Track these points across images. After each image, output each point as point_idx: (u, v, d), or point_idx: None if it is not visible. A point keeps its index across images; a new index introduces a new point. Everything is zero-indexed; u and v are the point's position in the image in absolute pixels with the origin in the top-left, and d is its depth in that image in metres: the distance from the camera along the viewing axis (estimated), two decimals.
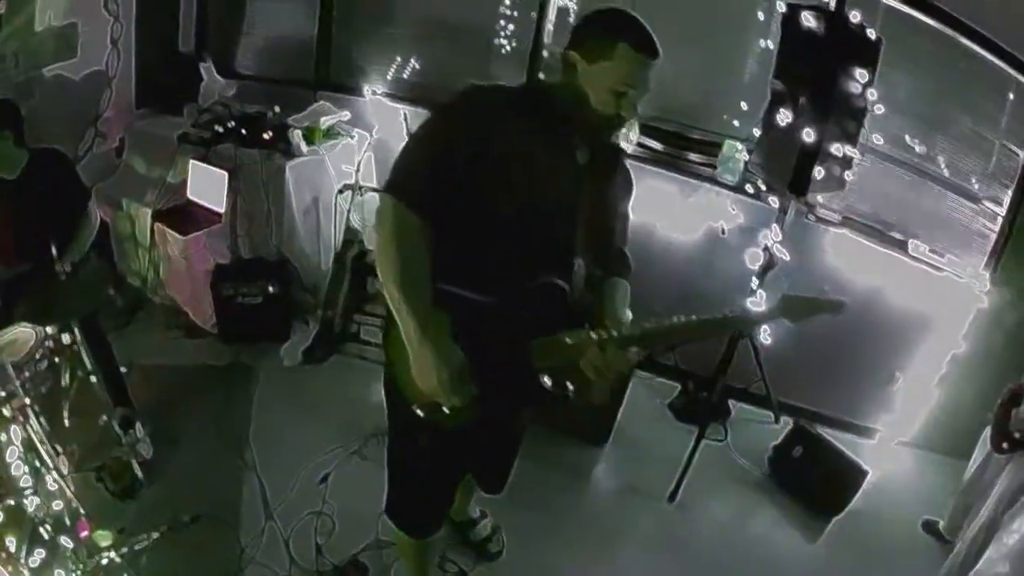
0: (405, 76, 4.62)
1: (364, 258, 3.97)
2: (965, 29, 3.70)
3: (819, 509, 3.62)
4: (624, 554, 3.21)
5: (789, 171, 3.19)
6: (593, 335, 1.65)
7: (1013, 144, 3.85)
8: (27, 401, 2.42)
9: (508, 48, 4.37)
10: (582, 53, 1.64)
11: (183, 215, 3.99)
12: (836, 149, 3.20)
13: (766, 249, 3.53)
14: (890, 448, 4.22)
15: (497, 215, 1.64)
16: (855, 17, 3.08)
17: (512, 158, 1.62)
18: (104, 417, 2.93)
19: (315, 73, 4.62)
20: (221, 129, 4.04)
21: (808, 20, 3.11)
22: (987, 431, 3.15)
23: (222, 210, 3.91)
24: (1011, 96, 3.79)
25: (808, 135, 3.09)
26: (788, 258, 3.53)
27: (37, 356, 2.71)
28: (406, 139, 1.69)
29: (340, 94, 4.53)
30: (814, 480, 3.64)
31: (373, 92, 4.54)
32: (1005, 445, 2.96)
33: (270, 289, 3.89)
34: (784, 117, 3.23)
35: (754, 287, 3.56)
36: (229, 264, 4.00)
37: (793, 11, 3.20)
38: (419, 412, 1.71)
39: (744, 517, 3.60)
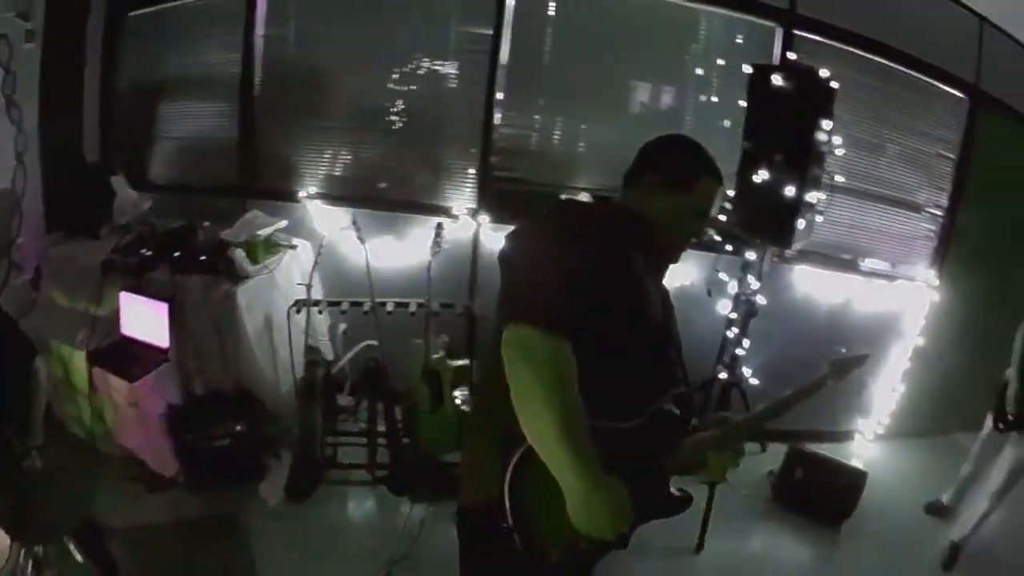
0: (339, 173, 4.28)
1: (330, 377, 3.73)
2: (892, 54, 3.92)
3: (830, 519, 3.86)
4: None
5: (775, 226, 3.27)
6: (717, 432, 1.78)
7: (946, 151, 4.14)
8: None
9: (454, 132, 4.16)
10: (662, 182, 1.72)
11: (123, 355, 3.53)
12: (811, 197, 3.28)
13: (746, 299, 3.61)
14: (868, 444, 4.58)
15: (630, 343, 1.62)
16: (824, 72, 3.14)
17: (638, 285, 1.63)
18: None
19: (241, 178, 4.19)
20: (148, 252, 3.60)
21: (779, 80, 3.11)
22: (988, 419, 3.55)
23: (167, 346, 3.49)
24: (940, 107, 4.06)
25: (789, 190, 3.14)
26: (766, 303, 3.66)
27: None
28: (527, 260, 1.57)
29: (271, 200, 4.14)
30: (821, 495, 3.86)
31: (308, 194, 4.19)
32: (1001, 425, 3.39)
33: (237, 428, 3.53)
34: (760, 175, 3.25)
35: (734, 336, 3.71)
36: (185, 405, 3.58)
37: (761, 71, 3.20)
38: (556, 554, 1.57)
39: (769, 546, 3.76)
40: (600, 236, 1.57)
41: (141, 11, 4.28)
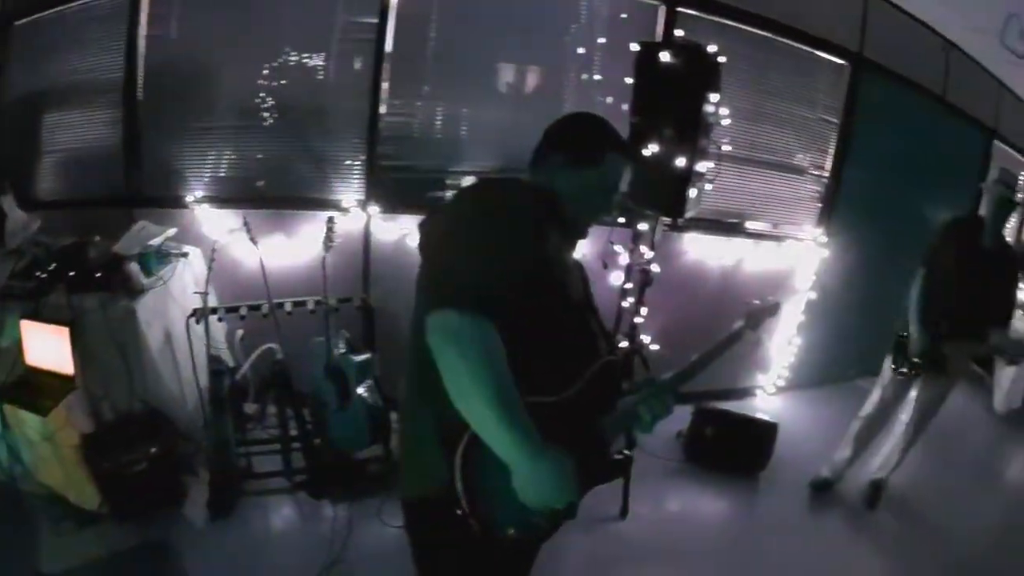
0: (225, 175, 4.08)
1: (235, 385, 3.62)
2: (773, 26, 4.08)
3: (746, 472, 4.06)
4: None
5: (668, 197, 3.35)
6: (647, 392, 1.78)
7: (829, 116, 4.35)
8: None
9: (340, 124, 4.05)
10: (569, 160, 1.74)
11: (32, 389, 3.33)
12: (700, 167, 3.38)
13: (641, 269, 3.70)
14: (769, 397, 4.83)
15: (554, 318, 1.64)
16: (711, 48, 3.25)
17: (555, 260, 1.65)
18: None
19: (126, 187, 3.97)
20: (43, 275, 3.39)
21: (667, 57, 3.18)
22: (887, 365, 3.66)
23: (72, 372, 3.33)
24: (822, 75, 4.31)
25: (680, 162, 3.24)
26: (659, 271, 3.75)
27: None
28: (442, 244, 1.57)
29: (158, 208, 3.96)
30: (735, 449, 4.05)
31: (195, 199, 3.98)
32: (905, 370, 3.52)
33: (153, 450, 3.41)
34: (650, 149, 3.32)
35: (630, 306, 3.79)
36: (97, 433, 3.42)
37: (648, 49, 3.26)
38: (512, 532, 1.60)
39: (691, 504, 3.88)
40: (514, 214, 1.57)
41: (25, 20, 4.01)
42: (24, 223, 3.72)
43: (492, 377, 1.39)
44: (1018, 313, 4.27)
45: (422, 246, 1.64)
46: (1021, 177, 6.00)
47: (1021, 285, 3.81)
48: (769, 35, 4.23)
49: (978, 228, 3.44)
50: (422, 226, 1.68)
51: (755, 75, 4.28)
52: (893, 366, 3.57)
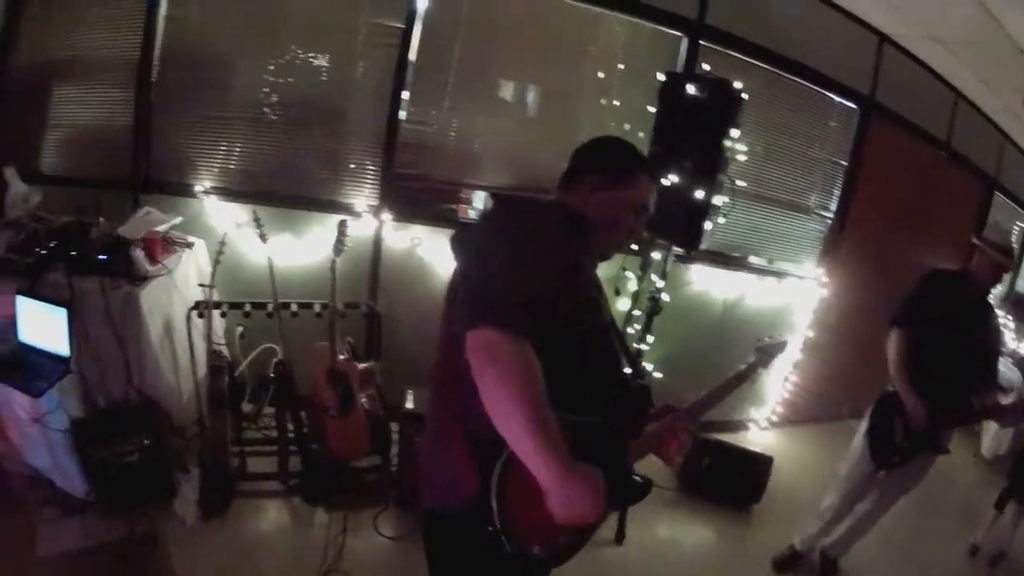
0: (238, 168, 4.00)
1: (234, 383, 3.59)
2: (786, 64, 4.17)
3: (741, 503, 4.09)
4: None
5: (684, 228, 3.37)
6: (668, 420, 1.89)
7: (837, 157, 4.40)
8: None
9: (359, 128, 4.02)
10: (601, 181, 1.76)
11: (22, 367, 3.21)
12: (716, 200, 3.41)
13: (651, 297, 3.71)
14: (762, 432, 4.87)
15: (588, 337, 1.68)
16: (737, 84, 3.25)
17: (589, 282, 1.69)
18: None
19: (134, 171, 3.89)
20: (43, 251, 3.29)
21: (693, 89, 3.20)
22: (857, 449, 3.34)
23: (68, 354, 3.24)
24: (833, 117, 4.35)
25: (699, 194, 3.25)
26: (669, 300, 3.76)
27: None
28: (481, 261, 1.56)
29: (165, 195, 3.89)
30: (730, 480, 4.08)
31: (204, 189, 3.93)
32: (896, 459, 3.18)
33: (146, 442, 3.34)
34: (669, 179, 3.34)
35: (636, 332, 3.80)
36: (89, 420, 3.34)
37: (674, 79, 3.28)
38: (538, 551, 1.62)
39: (684, 531, 3.91)
40: (552, 234, 1.58)
41: None
42: (24, 195, 3.64)
43: (530, 399, 1.39)
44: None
45: (463, 260, 1.65)
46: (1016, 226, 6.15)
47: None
48: (784, 74, 4.29)
49: (963, 283, 3.16)
50: (456, 241, 1.68)
51: (766, 112, 4.34)
52: (876, 462, 3.24)
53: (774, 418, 4.88)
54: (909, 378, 3.07)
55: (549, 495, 1.46)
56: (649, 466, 1.86)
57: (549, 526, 1.52)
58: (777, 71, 4.28)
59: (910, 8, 4.07)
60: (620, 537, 3.63)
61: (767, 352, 2.23)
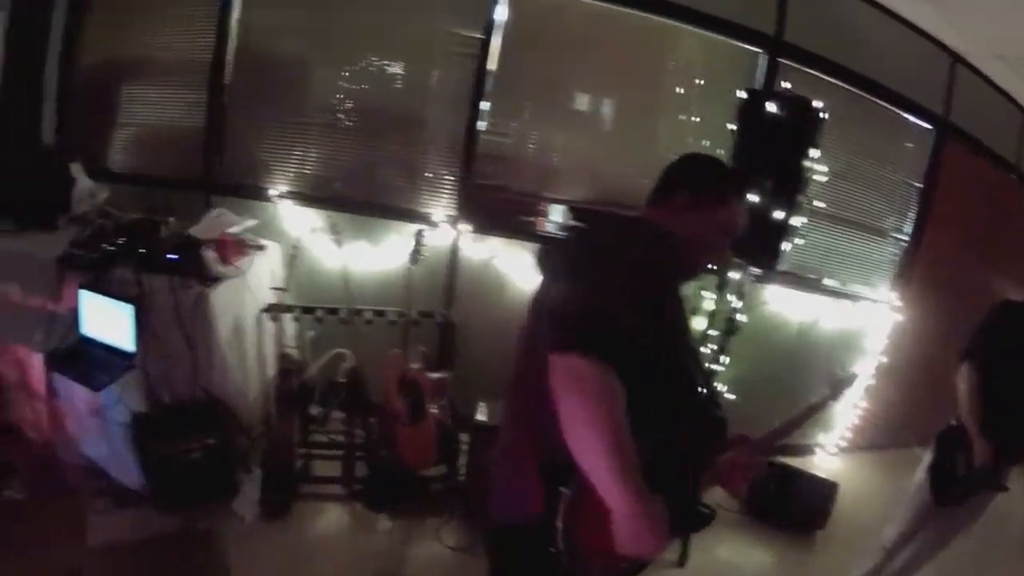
0: (313, 173, 4.05)
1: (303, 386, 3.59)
2: (863, 83, 4.10)
3: (805, 528, 3.99)
4: None
5: (764, 249, 3.30)
6: (739, 449, 1.84)
7: (912, 179, 4.32)
8: None
9: (437, 137, 4.02)
10: (692, 200, 1.71)
11: (85, 359, 3.27)
12: (795, 221, 3.34)
13: (728, 317, 3.64)
14: (829, 457, 4.77)
15: (671, 365, 1.64)
16: (817, 103, 3.19)
17: (676, 307, 1.66)
18: None
19: (206, 172, 3.96)
20: (111, 247, 3.34)
21: (773, 107, 3.15)
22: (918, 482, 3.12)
23: (133, 349, 3.28)
24: (907, 137, 4.26)
25: (778, 214, 3.20)
26: (746, 320, 3.68)
27: None
28: (569, 283, 1.53)
29: (237, 197, 3.93)
30: (795, 506, 3.99)
31: (278, 193, 3.96)
32: (957, 495, 2.98)
33: (210, 441, 3.36)
34: (748, 197, 3.28)
35: (711, 353, 3.70)
36: (152, 415, 3.36)
37: (755, 97, 3.23)
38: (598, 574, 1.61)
39: (746, 556, 3.83)
40: (642, 258, 1.56)
41: None
42: (91, 191, 3.69)
43: (611, 426, 1.39)
44: None
45: (548, 279, 1.64)
46: None
47: None
48: (860, 92, 4.22)
49: None
50: (543, 259, 1.68)
51: (843, 132, 4.24)
52: (936, 497, 2.99)
53: (842, 443, 4.77)
54: (980, 421, 2.87)
55: (616, 523, 1.45)
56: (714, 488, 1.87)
57: (612, 552, 1.51)
58: (854, 89, 4.20)
59: (971, 22, 4.01)
60: (683, 559, 3.56)
61: (838, 385, 2.22)
